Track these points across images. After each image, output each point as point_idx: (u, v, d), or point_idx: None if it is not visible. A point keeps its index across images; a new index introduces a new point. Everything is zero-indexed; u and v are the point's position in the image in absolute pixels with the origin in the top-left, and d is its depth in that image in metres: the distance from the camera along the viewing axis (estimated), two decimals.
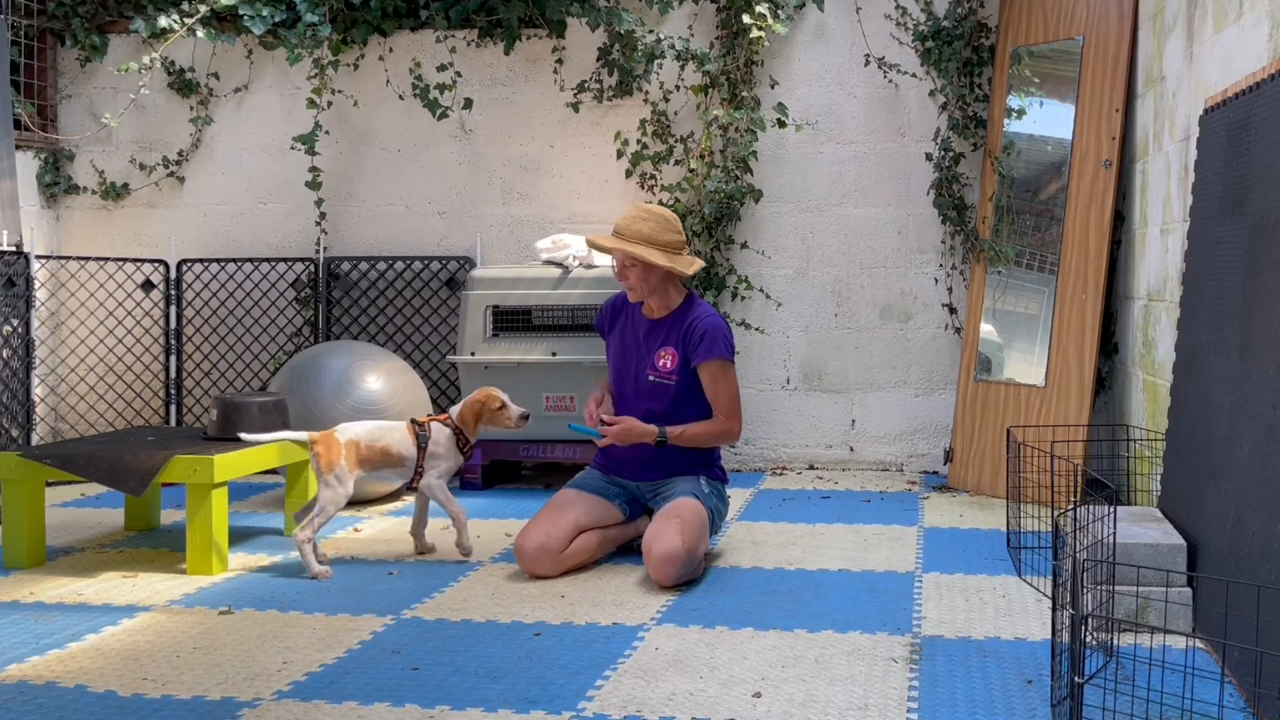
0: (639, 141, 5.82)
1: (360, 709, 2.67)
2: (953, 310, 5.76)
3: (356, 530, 4.54)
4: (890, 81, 5.76)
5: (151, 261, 6.00)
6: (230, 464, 3.94)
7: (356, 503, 5.02)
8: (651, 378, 4.01)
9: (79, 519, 4.76)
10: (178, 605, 3.52)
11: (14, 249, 5.30)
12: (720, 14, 5.77)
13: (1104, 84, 5.08)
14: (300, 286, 5.98)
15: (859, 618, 3.38)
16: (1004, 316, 5.42)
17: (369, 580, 3.80)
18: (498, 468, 5.58)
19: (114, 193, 6.12)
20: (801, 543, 4.32)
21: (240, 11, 5.72)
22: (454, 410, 4.12)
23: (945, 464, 5.60)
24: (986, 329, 5.45)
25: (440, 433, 4.07)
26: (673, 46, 5.68)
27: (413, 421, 4.08)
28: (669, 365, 4.00)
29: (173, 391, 6.00)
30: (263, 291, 6.03)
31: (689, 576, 3.73)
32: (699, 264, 4.01)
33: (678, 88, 5.84)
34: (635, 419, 3.93)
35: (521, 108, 5.96)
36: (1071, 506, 3.16)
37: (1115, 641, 3.06)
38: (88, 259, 5.95)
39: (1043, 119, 5.38)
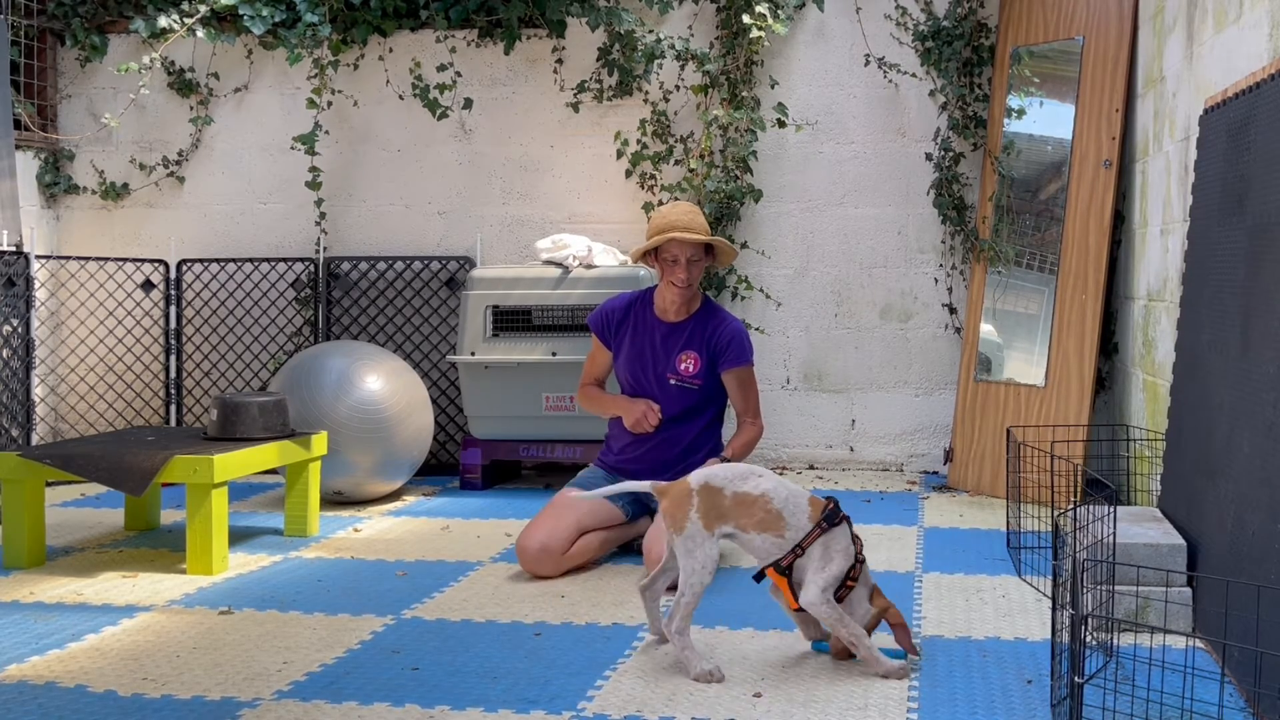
0: (639, 141, 5.82)
1: (360, 709, 2.67)
2: (953, 310, 5.75)
3: (356, 530, 4.54)
4: (890, 81, 5.76)
5: (151, 261, 6.00)
6: (230, 464, 3.94)
7: (357, 503, 5.02)
8: (673, 381, 4.02)
9: (79, 519, 4.76)
10: (178, 605, 3.52)
11: (14, 249, 5.30)
12: (720, 14, 5.77)
13: (1104, 84, 5.08)
14: (300, 286, 5.98)
15: None
16: (1004, 316, 5.41)
17: (369, 580, 3.80)
18: (498, 467, 5.57)
19: (114, 193, 6.12)
20: None
21: (240, 11, 5.72)
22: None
23: (945, 464, 5.60)
24: (986, 329, 5.45)
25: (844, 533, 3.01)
26: (673, 46, 5.68)
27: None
28: (691, 369, 4.01)
29: (173, 391, 5.99)
30: (262, 291, 6.03)
31: None
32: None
33: (678, 88, 5.84)
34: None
35: (521, 108, 5.96)
36: (1071, 506, 3.16)
37: (1115, 641, 3.06)
38: (88, 259, 5.95)
39: (1043, 119, 5.37)
